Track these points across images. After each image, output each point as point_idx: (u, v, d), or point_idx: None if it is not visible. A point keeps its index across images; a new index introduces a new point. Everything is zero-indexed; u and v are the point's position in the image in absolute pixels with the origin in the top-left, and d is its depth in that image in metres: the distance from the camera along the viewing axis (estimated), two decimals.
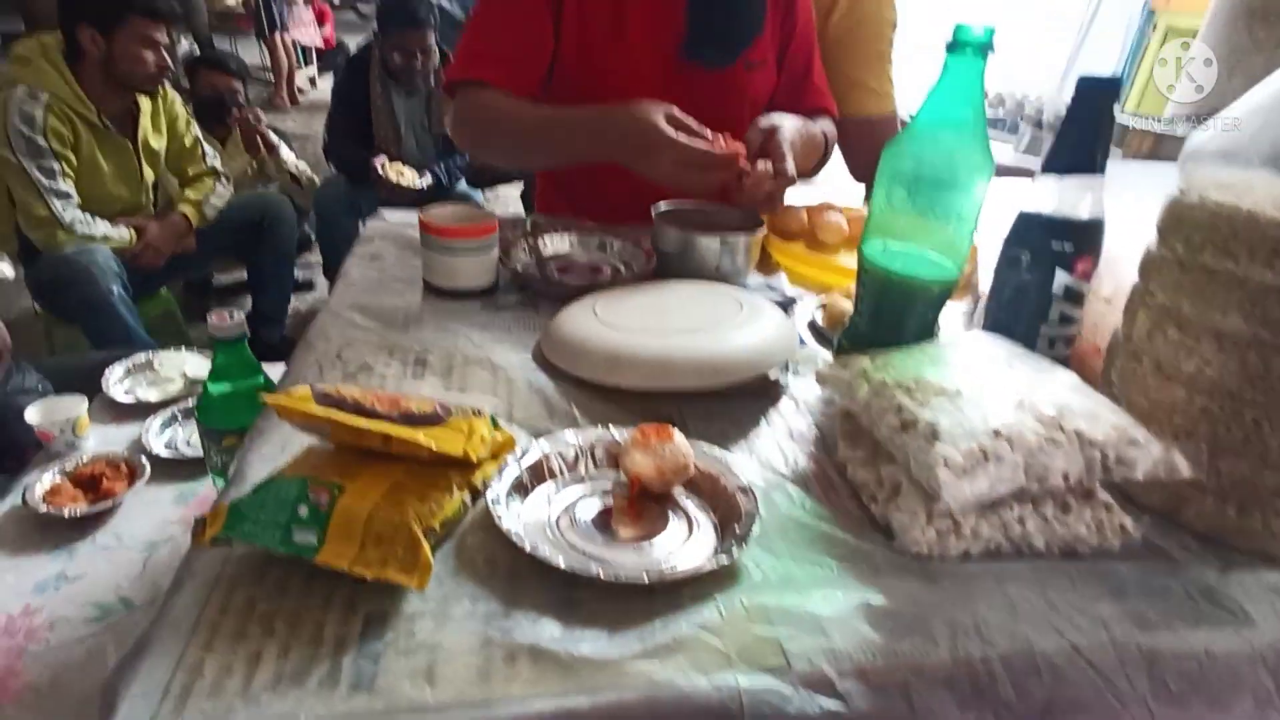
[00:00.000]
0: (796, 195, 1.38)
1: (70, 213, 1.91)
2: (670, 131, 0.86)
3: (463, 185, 2.80)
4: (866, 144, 1.34)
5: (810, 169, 1.15)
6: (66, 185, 1.91)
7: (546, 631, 0.43)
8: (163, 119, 2.17)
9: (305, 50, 6.63)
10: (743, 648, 0.43)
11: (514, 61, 1.04)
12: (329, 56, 7.09)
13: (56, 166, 1.88)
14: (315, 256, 3.22)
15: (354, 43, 7.35)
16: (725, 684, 0.40)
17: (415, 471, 0.49)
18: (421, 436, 0.47)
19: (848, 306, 0.86)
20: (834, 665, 0.42)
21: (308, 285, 3.16)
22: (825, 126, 1.17)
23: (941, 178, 0.68)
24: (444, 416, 0.50)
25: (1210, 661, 0.47)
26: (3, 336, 1.38)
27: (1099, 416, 0.52)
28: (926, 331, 0.74)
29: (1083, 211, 0.71)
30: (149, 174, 2.15)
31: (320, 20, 6.74)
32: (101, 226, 1.98)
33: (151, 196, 2.20)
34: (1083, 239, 0.71)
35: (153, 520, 1.05)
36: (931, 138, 0.68)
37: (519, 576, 0.47)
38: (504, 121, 1.02)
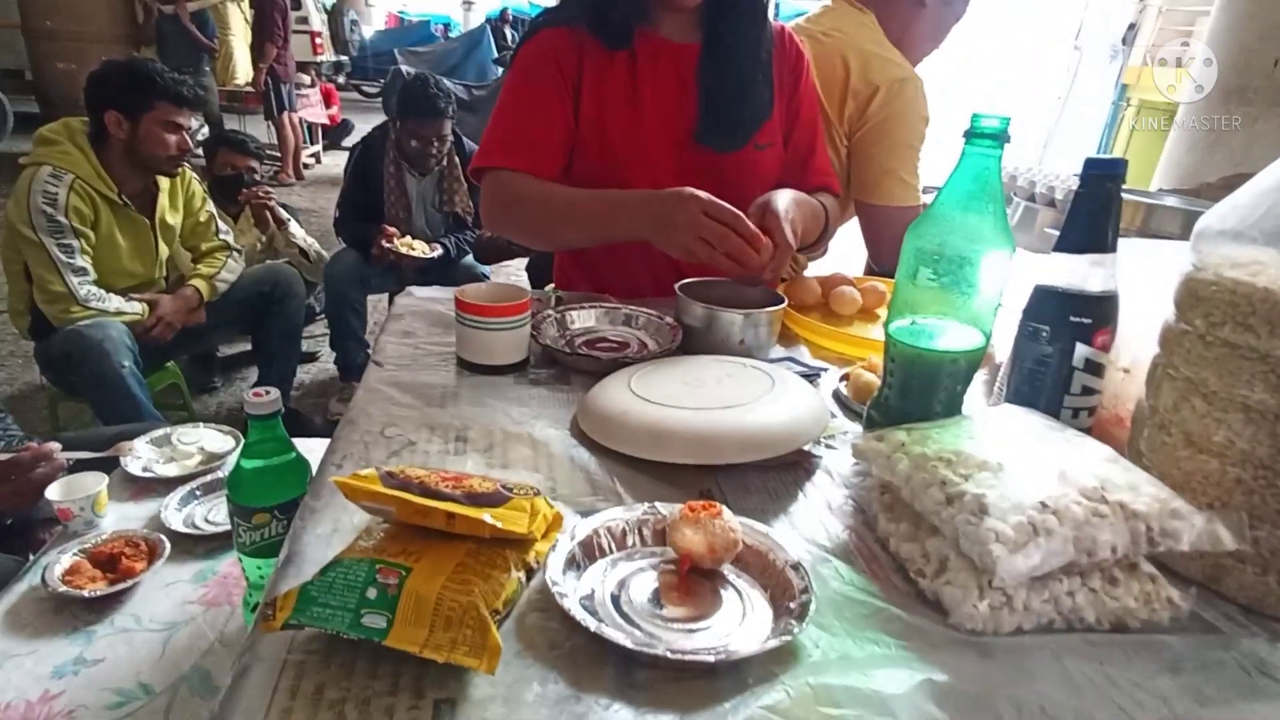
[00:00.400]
0: (809, 269, 1.41)
1: (85, 288, 1.94)
2: (703, 195, 0.89)
3: (469, 259, 2.86)
4: (891, 232, 1.40)
5: (814, 240, 1.19)
6: (84, 261, 1.95)
7: (619, 716, 0.43)
8: (180, 197, 2.23)
9: (311, 127, 6.86)
10: None
11: (539, 147, 1.09)
12: (334, 134, 7.32)
13: (75, 244, 1.92)
14: (320, 329, 3.25)
15: (358, 120, 7.63)
16: None
17: (475, 551, 0.50)
18: (487, 516, 0.48)
19: (871, 378, 0.88)
20: None
21: (312, 356, 3.19)
22: (826, 201, 1.22)
23: (964, 255, 0.71)
24: (507, 496, 0.51)
25: None
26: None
27: (1139, 489, 0.53)
28: (955, 403, 0.76)
29: (1098, 286, 0.74)
30: (164, 250, 2.20)
31: (327, 100, 6.99)
32: (115, 301, 2.01)
33: (164, 272, 2.24)
34: (1100, 313, 0.74)
35: (172, 600, 1.03)
36: (953, 218, 0.72)
37: (582, 658, 0.47)
38: (534, 202, 1.07)
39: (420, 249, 2.61)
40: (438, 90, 2.61)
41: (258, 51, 5.90)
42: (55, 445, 1.23)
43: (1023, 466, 0.55)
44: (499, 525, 0.47)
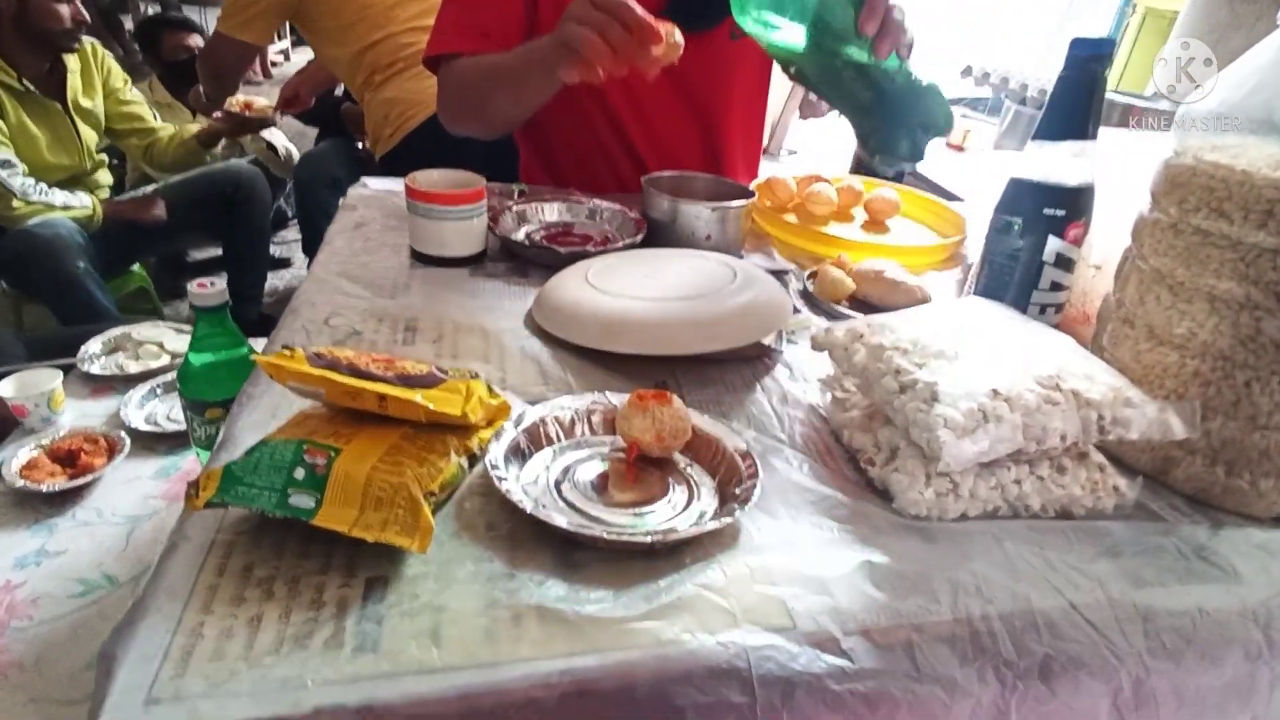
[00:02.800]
0: (785, 168, 1.36)
1: (19, 180, 1.83)
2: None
3: None
4: None
5: None
6: (5, 153, 1.82)
7: (552, 592, 0.42)
8: (95, 78, 2.08)
9: None
10: (748, 607, 0.43)
11: (488, 30, 1.01)
12: None
13: None
14: (293, 234, 3.16)
15: None
16: (732, 642, 0.40)
17: (411, 436, 0.48)
18: (419, 397, 0.46)
19: (839, 275, 0.86)
20: (839, 624, 0.42)
21: (285, 262, 3.11)
22: None
23: None
24: (440, 378, 0.49)
25: (1203, 618, 0.47)
26: None
27: (1095, 377, 0.52)
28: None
29: (1074, 177, 0.71)
30: (89, 137, 2.06)
31: None
32: (59, 196, 1.91)
33: (94, 160, 2.11)
34: (1075, 205, 0.72)
35: (134, 495, 1.03)
36: None
37: (520, 540, 0.46)
38: (478, 76, 0.97)
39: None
40: None
41: None
42: None
43: (979, 356, 0.54)
44: (430, 407, 0.46)
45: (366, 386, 0.46)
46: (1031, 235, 0.73)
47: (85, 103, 2.06)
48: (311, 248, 2.70)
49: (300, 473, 0.44)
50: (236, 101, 2.31)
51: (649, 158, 1.12)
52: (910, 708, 0.42)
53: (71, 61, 2.00)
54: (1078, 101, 0.70)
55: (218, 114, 2.32)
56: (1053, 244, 0.72)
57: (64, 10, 1.88)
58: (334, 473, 0.44)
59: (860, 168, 1.48)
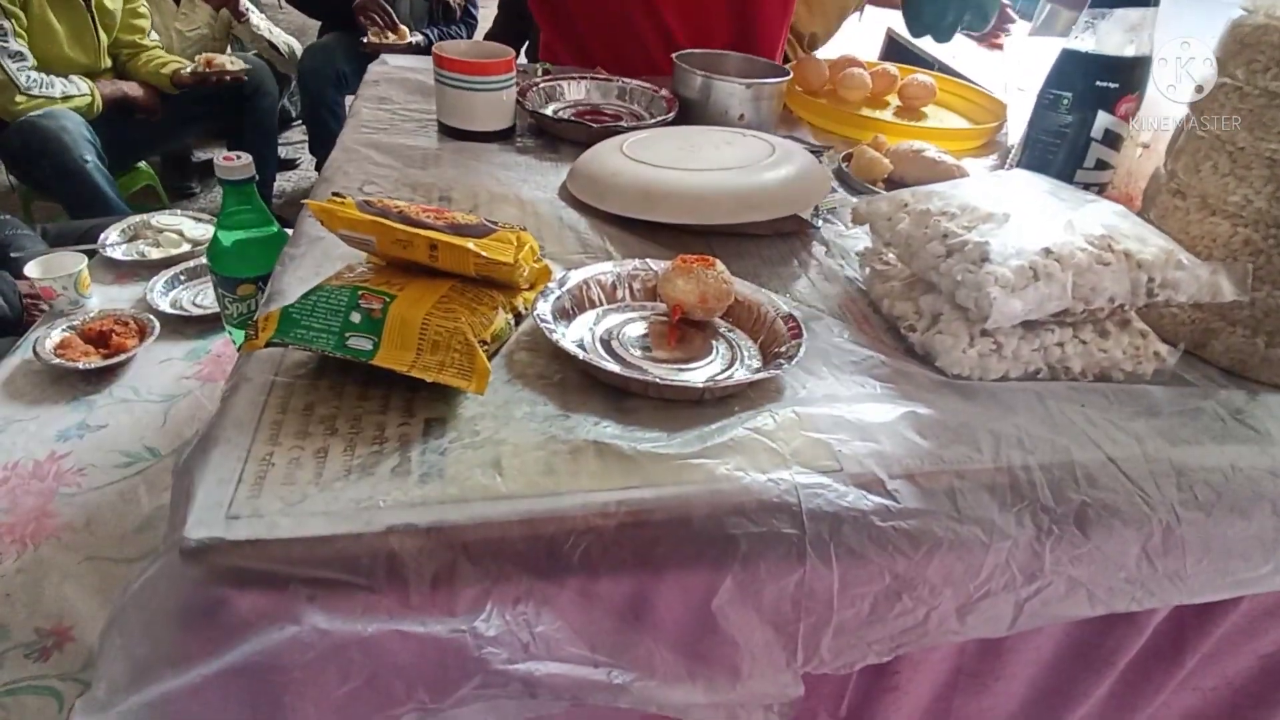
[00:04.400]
0: (819, 51, 1.31)
1: (26, 75, 1.81)
2: None
3: None
4: None
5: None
6: (19, 45, 1.80)
7: (608, 430, 0.43)
8: None
9: None
10: (796, 450, 0.44)
11: None
12: None
13: (7, 25, 1.77)
14: (298, 135, 3.08)
15: None
16: (783, 479, 0.42)
17: (461, 289, 0.48)
18: (471, 245, 0.46)
19: (875, 156, 0.84)
20: (884, 468, 0.44)
21: (291, 164, 3.05)
22: None
23: None
24: (491, 228, 0.49)
25: (1234, 474, 0.49)
26: None
27: (1146, 240, 0.52)
28: None
29: (1131, 49, 0.69)
30: (104, 36, 2.02)
31: None
32: (59, 85, 1.88)
33: (108, 62, 2.07)
34: (1129, 78, 0.69)
35: (168, 375, 1.05)
36: None
37: (572, 387, 0.47)
38: None
39: (393, 38, 2.41)
40: None
41: None
42: None
43: (1030, 218, 0.53)
44: (483, 254, 0.46)
45: (419, 234, 0.46)
46: (1081, 110, 0.71)
47: (109, 2, 2.00)
48: (319, 147, 2.64)
49: (356, 316, 0.44)
50: (201, 58, 2.21)
51: (679, 32, 1.07)
52: (950, 546, 0.43)
53: None
54: None
55: (189, 69, 2.20)
56: (1102, 119, 0.70)
57: None
58: (390, 316, 0.44)
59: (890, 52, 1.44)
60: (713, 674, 0.41)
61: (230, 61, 2.18)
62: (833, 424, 0.46)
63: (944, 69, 1.53)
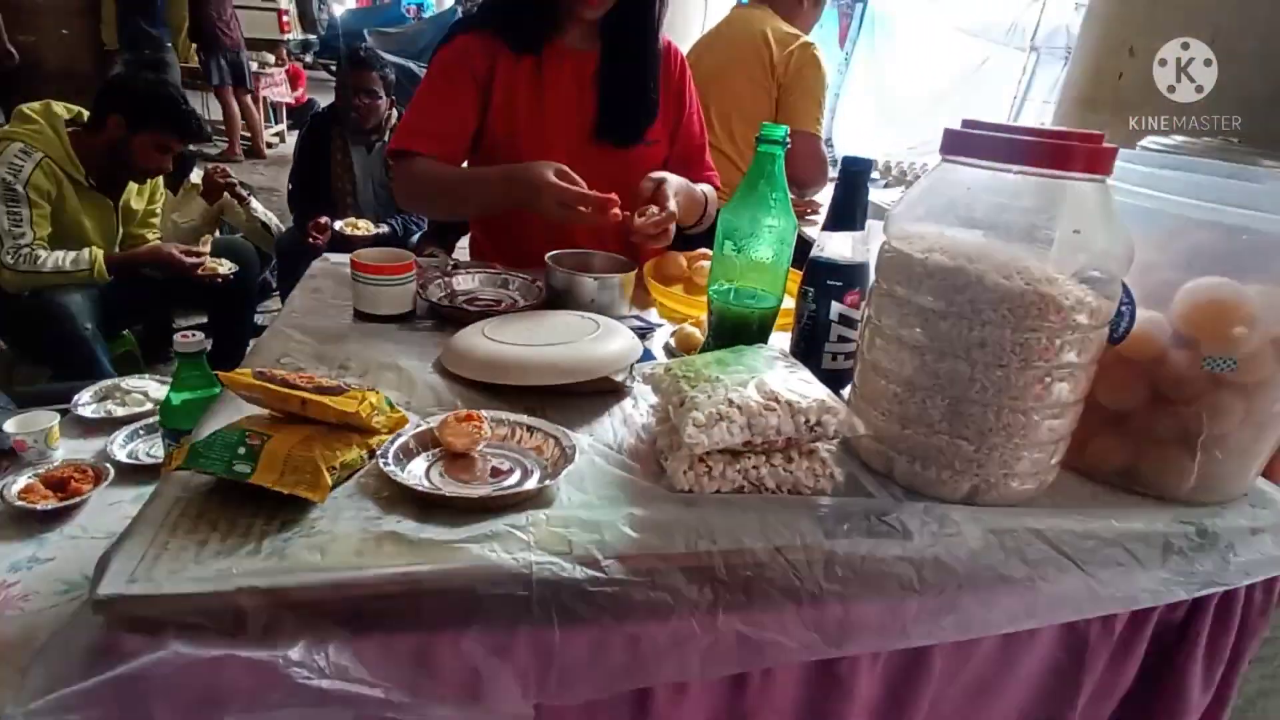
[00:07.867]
0: (676, 246, 1.61)
1: (15, 252, 1.95)
2: (551, 178, 1.08)
3: (416, 238, 3.03)
4: (807, 149, 2.08)
5: (692, 221, 1.39)
6: (27, 228, 1.98)
7: (406, 526, 0.63)
8: (149, 188, 2.34)
9: (276, 106, 6.90)
10: (539, 539, 0.63)
11: (442, 136, 1.28)
12: (299, 113, 7.34)
13: (25, 213, 1.97)
14: (275, 304, 3.38)
15: (324, 100, 7.64)
16: (523, 559, 0.61)
17: (324, 431, 0.69)
18: (327, 400, 0.67)
19: (693, 332, 1.09)
20: (601, 551, 0.63)
21: (262, 330, 3.31)
22: (708, 190, 1.43)
23: (753, 230, 0.93)
24: (345, 389, 0.71)
25: (871, 559, 0.68)
26: None
27: (809, 394, 0.74)
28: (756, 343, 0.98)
29: (850, 257, 0.96)
30: (122, 230, 2.29)
31: (293, 80, 7.03)
32: (51, 260, 2.00)
33: (117, 249, 2.33)
34: (850, 277, 0.96)
35: (115, 515, 1.21)
36: (747, 203, 0.93)
37: (394, 500, 0.67)
38: (430, 182, 1.26)
39: (365, 228, 2.76)
40: (371, 52, 2.90)
41: (193, 26, 5.83)
42: None
43: (735, 381, 0.76)
44: (333, 406, 0.67)
45: (291, 393, 0.67)
46: (822, 301, 0.97)
47: (135, 205, 2.30)
48: None
49: (242, 449, 0.65)
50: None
51: (582, 238, 1.35)
52: (645, 607, 0.62)
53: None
54: (849, 202, 0.95)
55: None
56: (835, 307, 0.96)
57: (160, 161, 2.15)
58: (265, 449, 0.65)
59: None
60: (463, 698, 0.58)
61: (220, 264, 2.45)
62: (573, 523, 0.66)
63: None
